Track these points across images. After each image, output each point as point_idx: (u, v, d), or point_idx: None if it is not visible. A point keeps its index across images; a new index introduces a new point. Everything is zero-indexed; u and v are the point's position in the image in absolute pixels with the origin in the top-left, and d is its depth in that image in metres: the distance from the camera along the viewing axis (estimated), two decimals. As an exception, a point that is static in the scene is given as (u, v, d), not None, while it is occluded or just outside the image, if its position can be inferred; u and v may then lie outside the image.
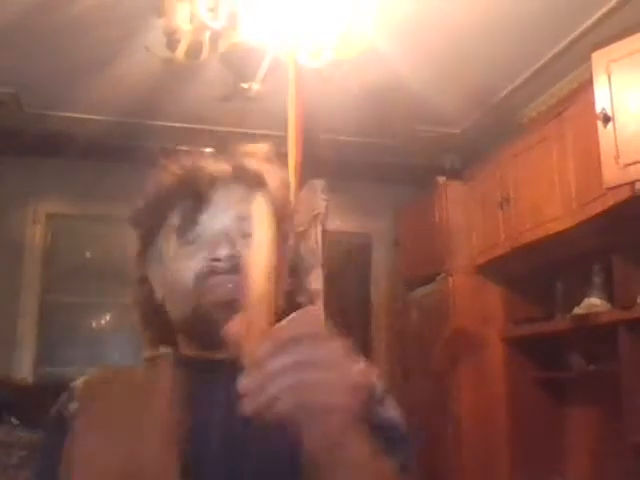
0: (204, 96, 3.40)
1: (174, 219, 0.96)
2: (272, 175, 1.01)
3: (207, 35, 2.29)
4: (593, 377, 3.13)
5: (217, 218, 0.95)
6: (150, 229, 0.99)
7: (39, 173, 4.08)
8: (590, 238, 2.83)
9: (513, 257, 3.33)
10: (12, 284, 4.05)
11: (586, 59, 2.75)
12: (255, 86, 2.36)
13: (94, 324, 4.38)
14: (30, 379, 3.90)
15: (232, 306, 0.84)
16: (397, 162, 4.43)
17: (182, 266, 0.93)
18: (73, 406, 0.89)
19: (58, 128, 3.89)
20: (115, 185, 4.01)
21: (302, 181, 2.19)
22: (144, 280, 1.00)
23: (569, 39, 3.08)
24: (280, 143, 2.45)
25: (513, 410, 3.44)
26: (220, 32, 2.28)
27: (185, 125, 3.99)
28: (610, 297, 2.85)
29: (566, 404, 3.42)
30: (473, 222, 3.68)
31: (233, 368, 0.77)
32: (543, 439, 3.33)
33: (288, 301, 0.95)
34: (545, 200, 3.03)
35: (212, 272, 0.91)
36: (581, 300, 2.97)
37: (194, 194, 0.95)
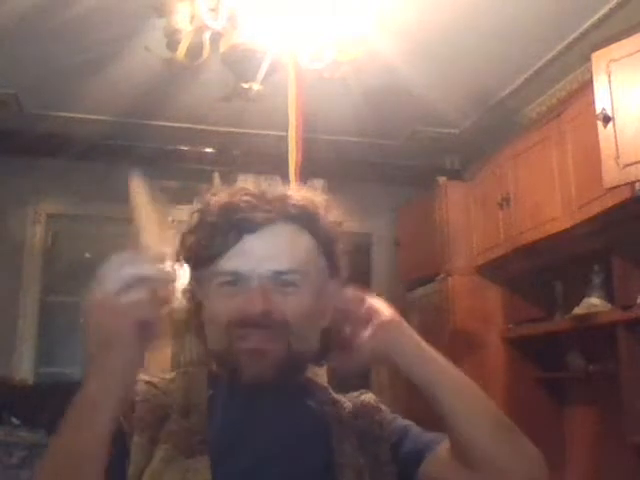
0: (204, 96, 3.40)
1: (216, 258, 0.95)
2: (322, 214, 1.00)
3: (207, 35, 2.29)
4: (593, 377, 3.12)
5: (256, 265, 0.94)
6: (197, 258, 0.99)
7: (39, 173, 4.08)
8: (590, 238, 2.83)
9: (513, 257, 3.33)
10: (12, 284, 4.05)
11: (586, 59, 2.76)
12: (255, 86, 2.36)
13: (94, 324, 4.37)
14: (30, 379, 3.91)
15: (261, 355, 0.91)
16: (397, 162, 4.44)
17: (218, 305, 0.95)
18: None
19: (58, 128, 3.90)
20: (115, 185, 3.99)
21: (302, 181, 2.18)
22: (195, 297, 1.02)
23: (569, 39, 3.09)
24: (280, 143, 2.46)
25: (513, 410, 3.42)
26: (220, 32, 2.28)
27: (185, 125, 4.00)
28: (610, 297, 2.85)
29: (566, 404, 3.42)
30: (473, 222, 3.68)
31: (267, 393, 0.95)
32: (543, 439, 3.31)
33: (323, 337, 0.97)
34: (545, 200, 3.03)
35: (244, 322, 0.91)
36: (581, 300, 2.97)
37: (238, 235, 0.95)
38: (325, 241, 1.00)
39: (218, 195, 1.00)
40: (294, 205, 0.97)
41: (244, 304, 0.92)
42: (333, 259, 1.01)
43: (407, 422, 1.04)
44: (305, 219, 0.97)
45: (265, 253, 0.94)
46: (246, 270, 0.93)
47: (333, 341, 0.97)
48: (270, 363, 0.91)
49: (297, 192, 1.00)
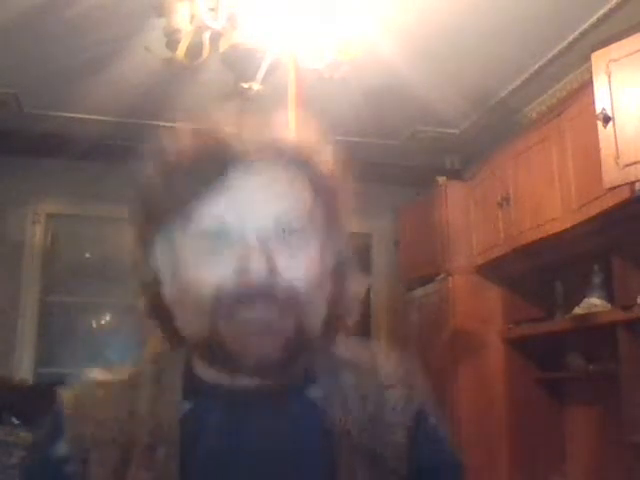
0: (204, 96, 3.39)
1: (193, 203, 0.70)
2: (323, 152, 0.78)
3: (207, 35, 2.29)
4: (593, 377, 3.12)
5: (251, 210, 0.70)
6: (160, 211, 0.74)
7: (39, 173, 4.08)
8: (590, 238, 2.83)
9: (513, 257, 3.33)
10: (12, 284, 4.05)
11: (586, 59, 2.76)
12: (255, 86, 2.35)
13: (94, 324, 4.38)
14: (30, 379, 3.90)
15: (265, 338, 0.68)
16: (397, 162, 4.44)
17: (199, 273, 0.69)
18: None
19: (58, 128, 3.89)
20: (115, 185, 3.99)
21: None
22: (150, 275, 0.77)
23: (569, 39, 3.08)
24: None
25: (513, 410, 3.45)
26: (220, 32, 2.28)
27: (185, 125, 3.99)
28: (610, 297, 2.85)
29: (566, 404, 3.42)
30: (473, 222, 3.68)
31: (263, 397, 0.72)
32: (543, 439, 3.33)
33: (329, 312, 0.76)
34: (545, 200, 3.03)
35: (241, 293, 0.68)
36: (581, 300, 2.97)
37: (221, 172, 0.70)
38: (326, 190, 0.77)
39: (185, 133, 0.77)
40: (285, 144, 0.75)
41: (239, 267, 0.68)
42: (335, 215, 0.79)
43: (434, 420, 0.83)
44: (300, 161, 0.75)
45: (262, 195, 0.71)
46: (238, 219, 0.69)
47: (340, 319, 0.78)
48: (275, 350, 0.68)
49: (288, 134, 0.78)
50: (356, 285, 0.81)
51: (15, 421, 3.09)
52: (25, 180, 4.08)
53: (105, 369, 0.79)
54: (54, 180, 4.11)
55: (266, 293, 0.68)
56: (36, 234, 4.19)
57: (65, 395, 0.75)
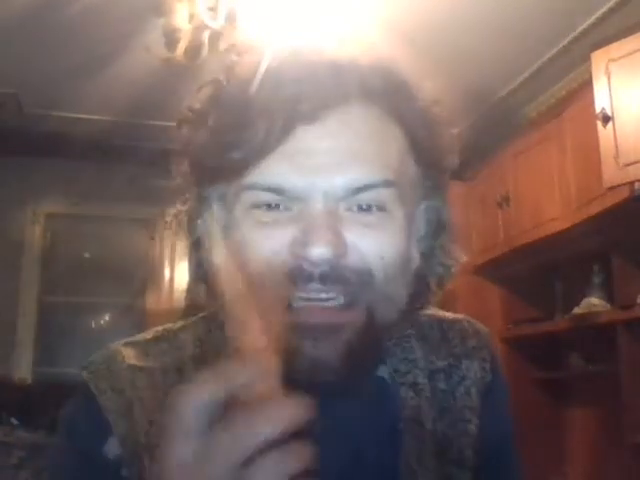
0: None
1: (247, 156, 0.56)
2: (419, 91, 0.63)
3: (207, 35, 2.29)
4: (593, 377, 3.12)
5: (319, 170, 0.55)
6: (211, 164, 0.59)
7: (39, 173, 4.08)
8: (590, 238, 2.83)
9: (512, 257, 3.33)
10: (11, 284, 4.05)
11: (586, 59, 2.75)
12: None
13: (94, 324, 4.38)
14: (30, 379, 3.90)
15: (329, 332, 0.56)
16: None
17: (250, 244, 0.57)
18: None
19: (58, 128, 3.89)
20: (115, 185, 4.01)
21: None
22: (196, 244, 0.63)
23: (569, 39, 3.08)
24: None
25: (513, 410, 3.44)
26: (220, 32, 2.28)
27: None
28: (610, 297, 2.85)
29: (566, 404, 3.42)
30: (473, 222, 3.68)
31: (325, 382, 0.56)
32: (543, 439, 3.33)
33: (414, 288, 0.63)
34: (545, 200, 3.03)
35: (298, 274, 0.55)
36: (580, 300, 2.97)
37: (284, 117, 0.55)
38: (423, 138, 0.61)
39: (248, 56, 0.61)
40: (376, 74, 0.59)
41: (299, 242, 0.55)
42: (432, 171, 0.63)
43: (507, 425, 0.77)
44: (395, 96, 0.60)
45: (334, 156, 0.56)
46: (302, 185, 0.55)
47: (425, 294, 0.65)
48: (339, 347, 0.55)
49: (375, 57, 0.61)
50: (450, 256, 0.66)
51: (15, 421, 3.09)
52: (25, 180, 4.08)
53: (134, 345, 0.67)
54: (54, 180, 4.11)
55: (328, 275, 0.54)
56: (35, 234, 4.19)
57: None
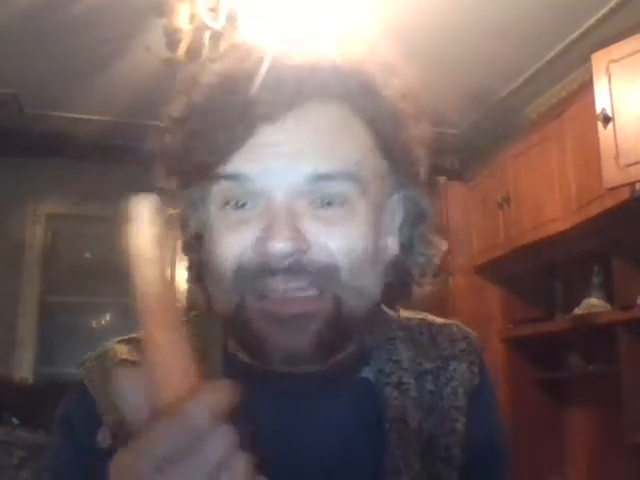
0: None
1: (217, 156, 0.59)
2: (384, 85, 0.63)
3: (207, 35, 2.29)
4: (593, 377, 3.13)
5: (277, 170, 0.58)
6: (187, 167, 0.63)
7: (39, 173, 4.08)
8: (590, 239, 2.83)
9: (513, 257, 3.33)
10: (12, 284, 4.05)
11: (586, 60, 2.75)
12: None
13: (94, 324, 4.38)
14: (30, 379, 3.90)
15: (297, 322, 0.58)
16: (397, 162, 4.43)
17: (222, 240, 0.60)
18: None
19: (58, 128, 3.89)
20: (115, 185, 3.99)
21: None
22: (188, 235, 0.68)
23: (569, 39, 3.09)
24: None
25: (513, 410, 3.44)
26: (220, 32, 2.28)
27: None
28: (610, 297, 2.85)
29: (566, 404, 3.42)
30: (473, 222, 3.68)
31: (308, 381, 0.62)
32: (543, 439, 3.33)
33: (391, 279, 0.65)
34: (545, 200, 3.03)
35: (263, 267, 0.58)
36: (581, 300, 2.97)
37: (247, 117, 0.58)
38: (389, 133, 0.63)
39: (217, 61, 0.64)
40: (338, 72, 0.61)
41: (262, 239, 0.57)
42: (401, 164, 0.65)
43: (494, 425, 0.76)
44: (357, 95, 0.61)
45: (294, 149, 0.58)
46: (263, 178, 0.58)
47: (404, 286, 0.67)
48: (310, 335, 0.58)
49: (339, 52, 0.62)
50: (431, 245, 0.69)
51: (15, 421, 3.09)
52: (25, 180, 4.08)
53: (128, 341, 0.68)
54: (54, 180, 4.11)
55: (292, 268, 0.57)
56: (36, 234, 4.19)
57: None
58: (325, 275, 0.58)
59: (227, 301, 0.61)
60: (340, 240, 0.59)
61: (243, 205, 0.60)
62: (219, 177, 0.60)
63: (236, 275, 0.59)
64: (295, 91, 0.59)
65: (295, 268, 0.57)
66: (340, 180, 0.59)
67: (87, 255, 4.38)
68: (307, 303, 0.58)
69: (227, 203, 0.60)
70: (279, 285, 0.58)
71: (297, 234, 0.57)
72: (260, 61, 0.60)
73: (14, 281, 4.07)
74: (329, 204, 0.59)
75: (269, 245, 0.56)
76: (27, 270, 4.13)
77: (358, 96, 0.62)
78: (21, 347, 4.02)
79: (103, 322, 4.39)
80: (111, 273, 4.11)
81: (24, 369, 3.97)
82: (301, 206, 0.58)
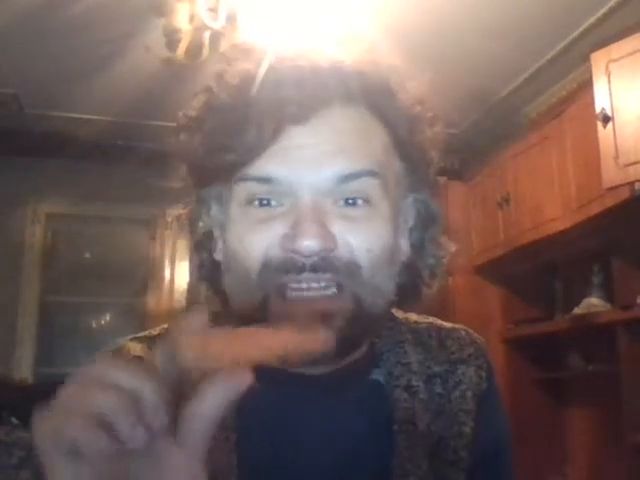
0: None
1: (241, 156, 0.60)
2: (401, 92, 0.66)
3: (207, 35, 2.29)
4: (592, 377, 3.13)
5: (305, 172, 0.59)
6: (208, 165, 0.63)
7: (39, 173, 4.08)
8: (589, 238, 2.83)
9: (513, 257, 3.33)
10: (12, 284, 4.05)
11: (586, 59, 2.76)
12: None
13: (94, 324, 4.38)
14: (30, 379, 3.90)
15: (319, 320, 0.58)
16: (397, 162, 4.43)
17: (245, 238, 0.61)
18: None
19: (58, 128, 3.89)
20: (115, 185, 4.01)
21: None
22: (201, 232, 0.68)
23: (569, 39, 3.08)
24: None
25: (513, 410, 3.44)
26: (220, 32, 2.28)
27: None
28: (609, 297, 2.85)
29: (566, 404, 3.42)
30: (473, 222, 3.68)
31: (321, 382, 0.63)
32: (543, 439, 3.33)
33: (402, 280, 0.67)
34: (545, 200, 3.03)
35: (288, 265, 0.59)
36: (580, 300, 2.97)
37: (274, 118, 0.59)
38: (406, 136, 0.66)
39: (239, 62, 0.64)
40: (358, 77, 0.63)
41: (289, 236, 0.58)
42: (416, 166, 0.68)
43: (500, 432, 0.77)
44: (376, 99, 0.64)
45: (321, 151, 0.59)
46: (289, 175, 0.59)
47: (415, 287, 0.68)
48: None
49: (358, 59, 0.65)
50: (441, 247, 0.71)
51: (15, 421, 3.09)
52: (25, 180, 4.08)
53: (141, 339, 0.69)
54: (54, 180, 4.11)
55: (319, 265, 0.58)
56: (36, 234, 4.18)
57: None
58: (347, 273, 0.59)
59: (249, 298, 0.61)
60: (362, 238, 0.60)
61: (268, 203, 0.60)
62: (248, 178, 0.60)
63: (261, 271, 0.59)
64: (320, 93, 0.60)
65: (321, 265, 0.58)
66: (364, 179, 0.61)
67: (87, 255, 4.38)
68: (328, 302, 0.59)
69: (251, 201, 0.61)
70: (303, 283, 0.58)
71: (325, 232, 0.58)
72: (281, 63, 0.62)
73: (14, 281, 4.07)
74: (353, 203, 0.61)
75: (297, 242, 0.57)
76: (27, 270, 4.13)
77: (377, 98, 0.64)
78: (21, 347, 4.02)
79: (103, 322, 4.39)
80: (111, 273, 4.14)
81: (24, 369, 3.97)
82: (327, 204, 0.60)
